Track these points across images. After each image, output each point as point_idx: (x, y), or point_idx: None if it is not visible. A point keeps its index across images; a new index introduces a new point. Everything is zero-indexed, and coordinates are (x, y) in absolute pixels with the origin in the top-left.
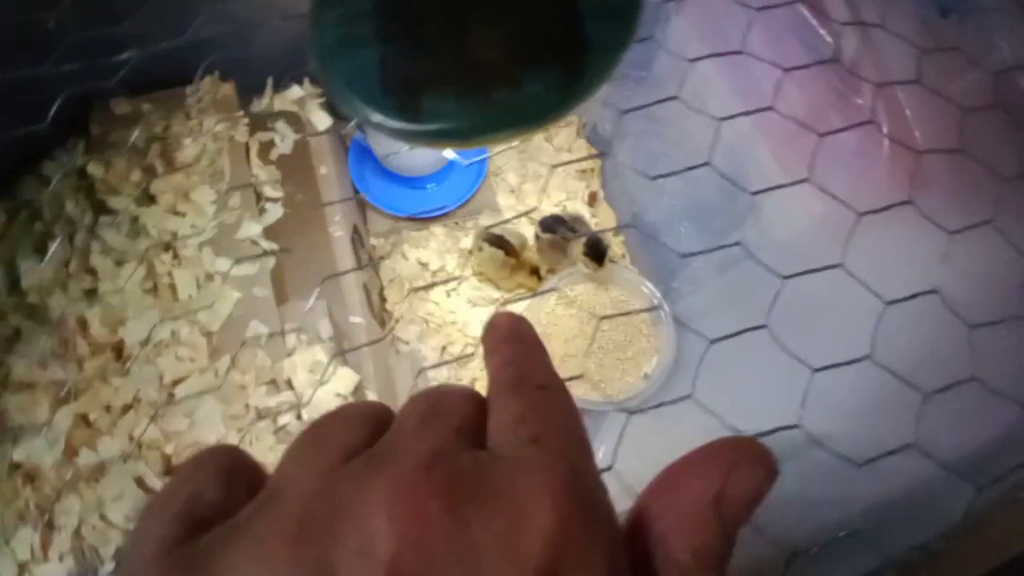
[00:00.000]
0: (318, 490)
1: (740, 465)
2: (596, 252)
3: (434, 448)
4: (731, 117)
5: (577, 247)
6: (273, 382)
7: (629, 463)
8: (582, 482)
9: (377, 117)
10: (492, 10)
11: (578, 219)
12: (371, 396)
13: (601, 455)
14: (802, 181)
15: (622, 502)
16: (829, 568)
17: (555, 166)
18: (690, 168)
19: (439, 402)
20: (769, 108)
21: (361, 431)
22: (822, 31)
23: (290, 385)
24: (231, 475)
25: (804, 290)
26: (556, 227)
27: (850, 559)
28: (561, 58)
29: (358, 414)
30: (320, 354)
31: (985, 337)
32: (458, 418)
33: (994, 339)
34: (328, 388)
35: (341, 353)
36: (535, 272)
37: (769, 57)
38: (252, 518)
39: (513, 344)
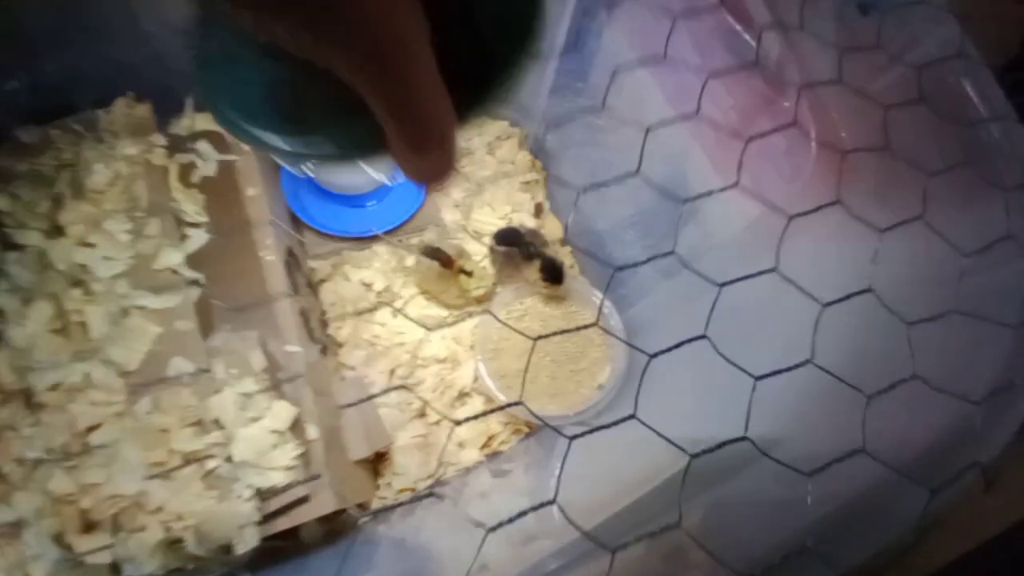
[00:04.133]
0: None
1: None
2: (553, 275)
3: None
4: (662, 125)
5: (532, 271)
6: (199, 423)
7: (573, 484)
8: None
9: (259, 134)
10: None
11: (533, 232)
12: (311, 430)
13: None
14: (732, 186)
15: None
16: None
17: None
18: (622, 177)
19: None
20: (695, 114)
21: None
22: (746, 36)
23: (219, 425)
24: None
25: (743, 295)
26: (511, 240)
27: (806, 574)
28: (458, 73)
29: None
30: (252, 388)
31: (923, 334)
32: None
33: (933, 335)
34: (262, 424)
35: (276, 386)
36: (464, 272)
37: (696, 63)
38: None
39: None
